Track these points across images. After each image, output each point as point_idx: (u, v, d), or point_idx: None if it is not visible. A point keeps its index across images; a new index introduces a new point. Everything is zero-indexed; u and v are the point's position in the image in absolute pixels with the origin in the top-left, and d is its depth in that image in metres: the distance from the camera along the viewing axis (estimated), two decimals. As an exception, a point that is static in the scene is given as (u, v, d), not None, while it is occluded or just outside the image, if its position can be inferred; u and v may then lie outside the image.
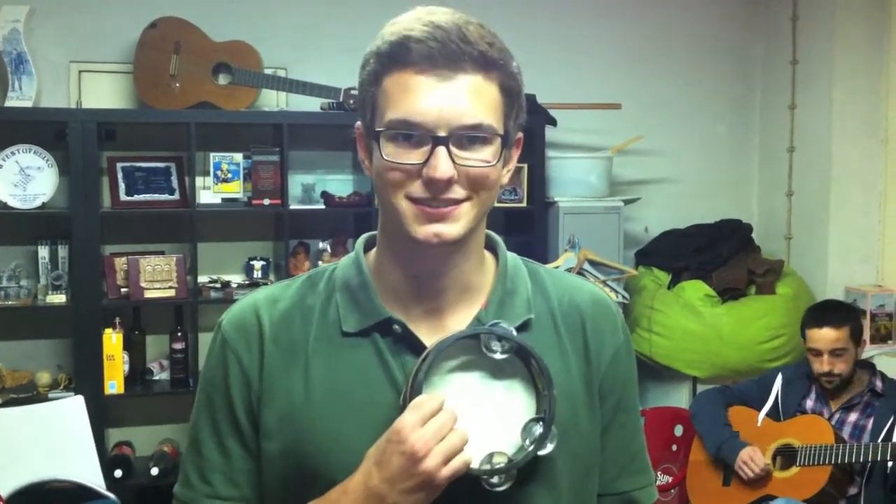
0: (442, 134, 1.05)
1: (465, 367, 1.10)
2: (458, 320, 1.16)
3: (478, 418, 1.08)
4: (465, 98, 1.06)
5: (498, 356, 1.08)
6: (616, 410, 1.22)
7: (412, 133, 1.06)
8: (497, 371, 1.10)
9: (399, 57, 1.07)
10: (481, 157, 1.07)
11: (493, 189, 1.11)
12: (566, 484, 1.15)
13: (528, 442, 1.08)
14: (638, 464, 1.26)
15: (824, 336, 3.27)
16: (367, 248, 1.22)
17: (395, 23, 1.09)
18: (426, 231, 1.07)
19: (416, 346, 1.12)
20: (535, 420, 1.09)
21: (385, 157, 1.07)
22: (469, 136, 1.07)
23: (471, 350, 1.09)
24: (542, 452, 1.08)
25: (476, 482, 1.06)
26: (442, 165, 1.05)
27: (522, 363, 1.10)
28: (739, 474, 3.28)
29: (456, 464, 1.03)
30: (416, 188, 1.07)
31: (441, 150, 1.05)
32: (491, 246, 1.23)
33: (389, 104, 1.07)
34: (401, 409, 1.07)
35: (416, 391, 1.05)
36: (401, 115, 1.06)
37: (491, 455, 1.07)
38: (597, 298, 1.24)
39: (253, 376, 1.15)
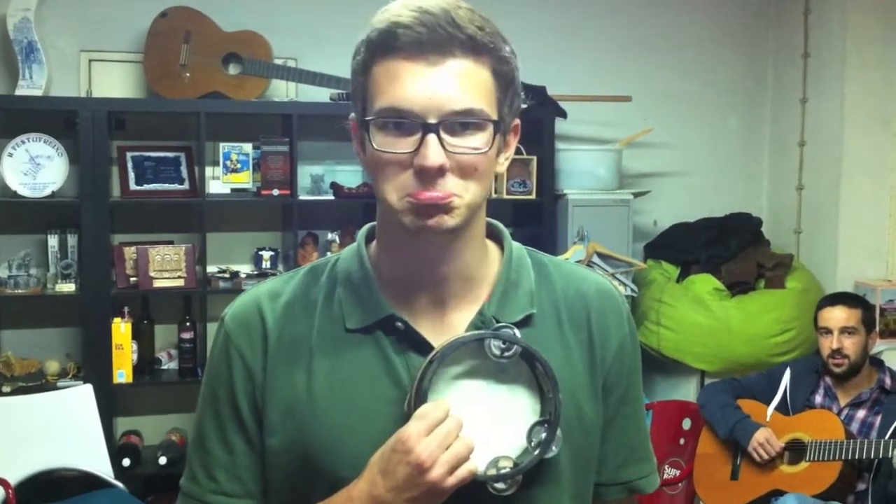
0: (432, 121, 1.03)
1: (470, 371, 1.09)
2: (462, 314, 1.14)
3: (483, 422, 1.07)
4: (455, 83, 1.03)
5: (502, 359, 1.07)
6: (621, 401, 1.21)
7: (402, 121, 1.04)
8: (501, 374, 1.09)
9: (387, 44, 1.04)
10: (472, 146, 1.05)
11: (485, 179, 1.08)
12: (567, 478, 1.15)
13: (533, 445, 1.08)
14: (641, 452, 1.26)
15: (836, 315, 3.30)
16: (368, 239, 1.20)
17: (384, 10, 1.06)
18: (419, 223, 1.05)
19: (419, 344, 1.11)
20: (540, 423, 1.08)
21: (375, 147, 1.05)
22: (461, 123, 1.04)
23: (475, 353, 1.08)
24: (547, 456, 1.08)
25: (481, 486, 1.06)
26: (432, 154, 1.02)
27: (527, 365, 1.09)
28: (753, 457, 3.24)
29: (462, 473, 1.02)
30: (408, 180, 1.04)
31: (431, 137, 1.02)
32: (496, 236, 1.21)
33: (378, 93, 1.05)
34: (406, 415, 1.06)
35: (420, 399, 1.05)
36: (389, 103, 1.04)
37: (496, 460, 1.06)
38: (603, 290, 1.22)
39: (256, 372, 1.14)
